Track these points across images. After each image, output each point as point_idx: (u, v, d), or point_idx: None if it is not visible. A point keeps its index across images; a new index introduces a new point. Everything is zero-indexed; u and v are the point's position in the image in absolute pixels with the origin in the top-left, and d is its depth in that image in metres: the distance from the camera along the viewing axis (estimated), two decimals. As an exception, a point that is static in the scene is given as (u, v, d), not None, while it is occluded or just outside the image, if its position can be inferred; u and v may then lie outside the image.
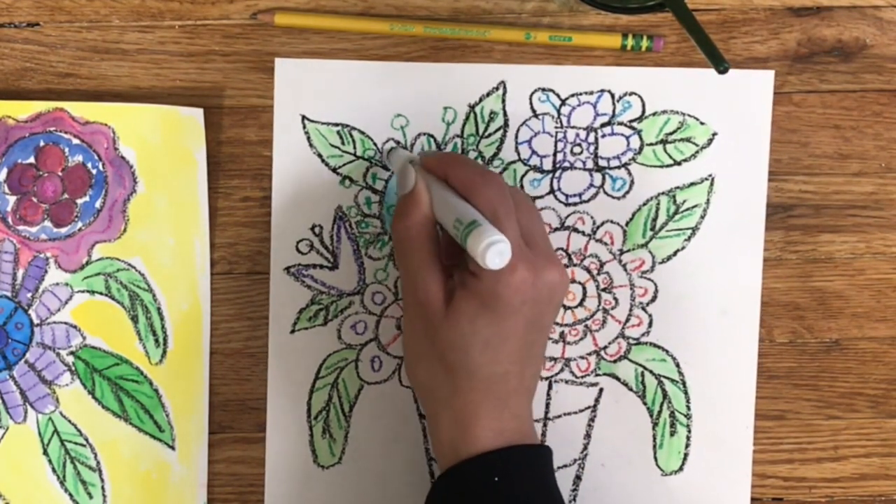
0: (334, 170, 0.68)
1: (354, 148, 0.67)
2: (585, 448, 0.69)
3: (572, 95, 0.68)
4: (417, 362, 0.61)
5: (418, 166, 0.61)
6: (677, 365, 0.69)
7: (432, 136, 0.67)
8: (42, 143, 0.66)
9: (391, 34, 0.67)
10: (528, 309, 0.57)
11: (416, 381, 0.62)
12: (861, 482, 0.70)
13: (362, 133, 0.67)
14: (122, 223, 0.66)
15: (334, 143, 0.67)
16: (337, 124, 0.67)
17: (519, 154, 0.68)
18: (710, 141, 0.68)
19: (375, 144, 0.67)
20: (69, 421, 0.67)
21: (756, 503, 0.70)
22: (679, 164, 0.68)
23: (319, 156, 0.67)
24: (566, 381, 0.69)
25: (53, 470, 0.67)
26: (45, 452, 0.67)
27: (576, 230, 0.68)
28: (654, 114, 0.68)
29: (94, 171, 0.66)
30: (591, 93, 0.68)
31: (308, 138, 0.67)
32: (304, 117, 0.67)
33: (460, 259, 0.60)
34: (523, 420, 0.60)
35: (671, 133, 0.68)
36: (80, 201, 0.66)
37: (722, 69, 0.56)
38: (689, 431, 0.69)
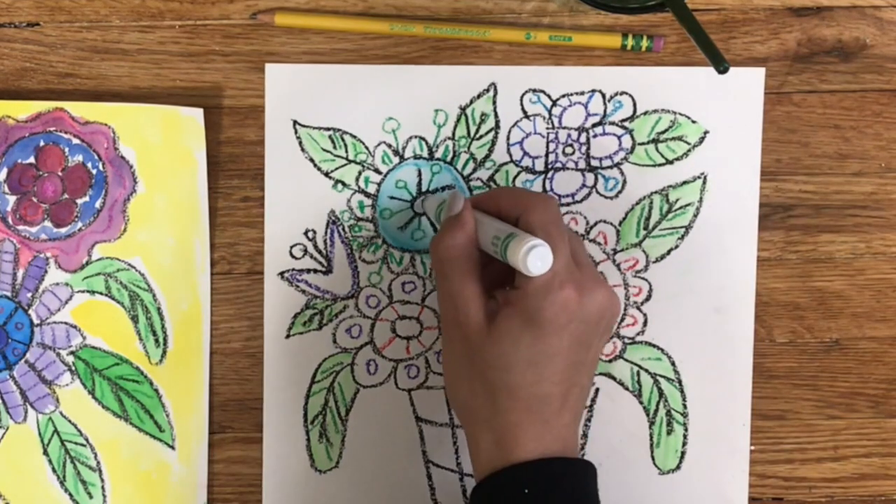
0: (326, 174, 0.68)
1: (346, 152, 0.67)
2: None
3: (563, 96, 0.67)
4: (457, 383, 0.59)
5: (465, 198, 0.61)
6: (673, 363, 0.69)
7: (424, 138, 0.67)
8: (42, 143, 0.66)
9: (391, 34, 0.66)
10: (575, 328, 0.56)
11: (455, 401, 0.60)
12: (861, 482, 0.70)
13: (354, 137, 0.67)
14: (122, 223, 0.66)
15: (326, 148, 0.67)
16: (328, 128, 0.67)
17: (511, 155, 0.68)
18: (702, 139, 0.68)
19: (367, 148, 0.67)
20: (69, 421, 0.67)
21: (756, 503, 0.70)
22: (671, 162, 0.68)
23: (311, 160, 0.67)
24: (565, 381, 0.69)
25: (53, 470, 0.67)
26: (45, 452, 0.67)
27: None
28: (645, 113, 0.68)
29: (94, 171, 0.66)
30: (582, 93, 0.68)
31: (300, 143, 0.67)
32: (295, 122, 0.67)
33: (504, 284, 0.59)
34: (567, 443, 0.58)
35: (663, 132, 0.68)
36: (80, 201, 0.66)
37: (722, 69, 0.56)
38: (686, 430, 0.69)
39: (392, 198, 0.68)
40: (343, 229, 0.68)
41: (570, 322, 0.56)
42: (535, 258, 0.54)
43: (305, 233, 0.68)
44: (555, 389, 0.57)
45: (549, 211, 0.57)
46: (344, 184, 0.68)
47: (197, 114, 0.66)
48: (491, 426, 0.57)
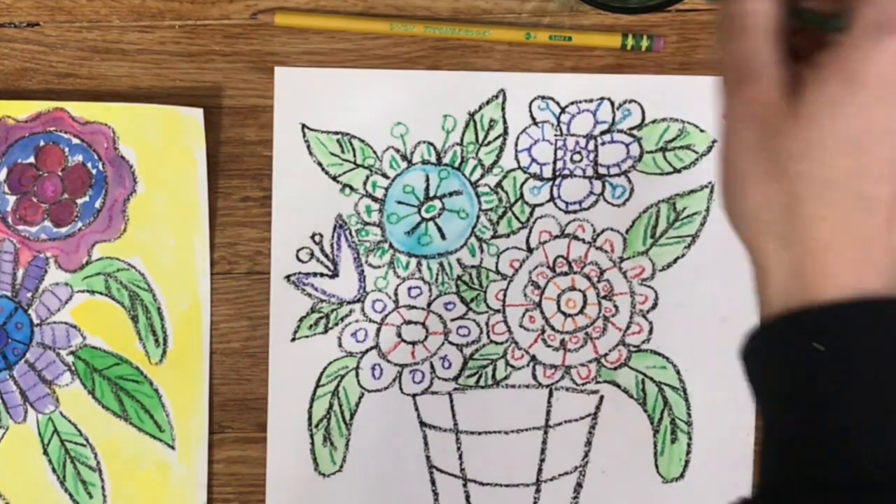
0: (334, 178, 0.67)
1: (354, 156, 0.67)
2: (586, 455, 0.69)
3: (572, 103, 0.67)
4: (744, 183, 0.43)
5: None
6: (678, 372, 0.69)
7: (432, 143, 0.67)
8: (42, 143, 0.66)
9: (391, 34, 0.66)
10: None
11: (740, 210, 0.44)
12: (866, 486, 0.70)
13: (362, 141, 0.67)
14: (122, 223, 0.67)
15: (334, 152, 0.67)
16: (337, 132, 0.67)
17: (518, 162, 0.67)
18: (710, 148, 0.67)
19: (375, 152, 0.67)
20: (69, 421, 0.67)
21: None
22: (679, 171, 0.68)
23: (319, 164, 0.67)
24: (567, 389, 0.68)
25: (53, 470, 0.67)
26: (45, 452, 0.67)
27: (576, 238, 0.68)
28: (653, 121, 0.67)
29: (94, 171, 0.66)
30: (591, 101, 0.67)
31: (308, 147, 0.67)
32: (304, 126, 0.67)
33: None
34: (891, 277, 0.41)
35: (671, 140, 0.67)
36: (80, 201, 0.66)
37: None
38: (690, 439, 0.69)
39: (399, 202, 0.68)
40: (350, 233, 0.68)
41: None
42: None
43: (312, 236, 0.68)
44: (883, 189, 0.41)
45: None
46: (351, 188, 0.67)
47: (197, 114, 0.66)
48: (787, 244, 0.42)
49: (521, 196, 0.68)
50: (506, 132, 0.67)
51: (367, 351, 0.68)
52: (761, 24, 0.43)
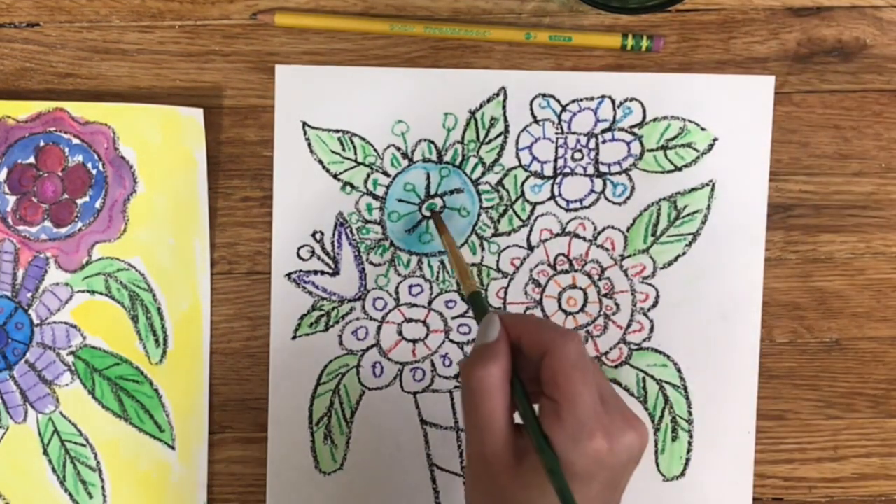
0: (335, 176, 0.68)
1: (355, 154, 0.67)
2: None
3: (573, 101, 0.67)
4: None
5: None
6: (679, 370, 0.69)
7: (433, 142, 0.67)
8: (42, 143, 0.66)
9: (391, 34, 0.67)
10: (606, 474, 0.52)
11: None
12: (861, 482, 0.70)
13: (363, 139, 0.67)
14: (122, 223, 0.66)
15: (335, 150, 0.67)
16: (337, 130, 0.67)
17: (519, 160, 0.68)
18: (711, 146, 0.68)
19: (376, 150, 0.67)
20: (69, 421, 0.67)
21: (756, 503, 0.70)
22: (680, 169, 0.68)
23: (320, 162, 0.67)
24: (567, 385, 0.69)
25: (53, 470, 0.67)
26: (45, 452, 0.67)
27: (577, 236, 0.68)
28: (654, 119, 0.68)
29: (94, 171, 0.66)
30: (592, 99, 0.68)
31: (309, 145, 0.67)
32: (304, 124, 0.67)
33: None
34: None
35: (672, 139, 0.68)
36: (80, 201, 0.66)
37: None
38: (691, 437, 0.69)
39: (400, 200, 0.68)
40: (351, 231, 0.68)
41: (602, 470, 0.52)
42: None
43: (313, 234, 0.68)
44: None
45: (571, 355, 0.53)
46: (352, 186, 0.68)
47: (197, 114, 0.66)
48: None
49: (522, 194, 0.68)
50: (507, 130, 0.68)
51: (367, 349, 0.68)
52: (495, 397, 0.53)
